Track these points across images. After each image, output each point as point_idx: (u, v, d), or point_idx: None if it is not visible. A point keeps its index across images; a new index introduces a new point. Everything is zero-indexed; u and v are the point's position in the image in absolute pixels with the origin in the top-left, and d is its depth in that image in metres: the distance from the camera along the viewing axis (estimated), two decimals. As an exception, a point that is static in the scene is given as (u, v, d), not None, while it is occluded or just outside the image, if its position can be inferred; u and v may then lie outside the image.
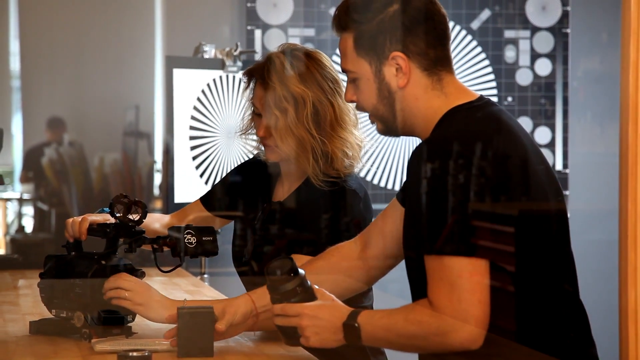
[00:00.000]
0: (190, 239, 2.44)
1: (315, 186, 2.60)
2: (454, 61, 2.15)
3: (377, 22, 2.09)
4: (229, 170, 2.93)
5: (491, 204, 1.96)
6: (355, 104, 2.19)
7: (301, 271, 2.10)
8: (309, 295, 2.09)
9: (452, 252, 1.92)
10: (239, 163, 2.90)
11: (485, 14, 4.71)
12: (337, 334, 2.04)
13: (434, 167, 1.97)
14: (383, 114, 2.13)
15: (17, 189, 4.66)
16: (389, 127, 2.15)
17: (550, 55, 4.79)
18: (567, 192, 4.57)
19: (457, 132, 2.02)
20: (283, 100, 2.57)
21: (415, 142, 2.26)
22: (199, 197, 2.87)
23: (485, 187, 1.95)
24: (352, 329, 2.02)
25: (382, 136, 2.26)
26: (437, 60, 2.09)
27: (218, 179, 3.75)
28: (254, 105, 2.65)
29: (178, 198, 3.64)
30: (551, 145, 4.75)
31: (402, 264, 2.21)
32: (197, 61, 3.77)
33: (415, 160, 2.00)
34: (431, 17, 2.08)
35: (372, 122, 2.18)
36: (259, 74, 2.63)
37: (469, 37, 4.71)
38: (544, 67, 4.80)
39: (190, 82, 3.67)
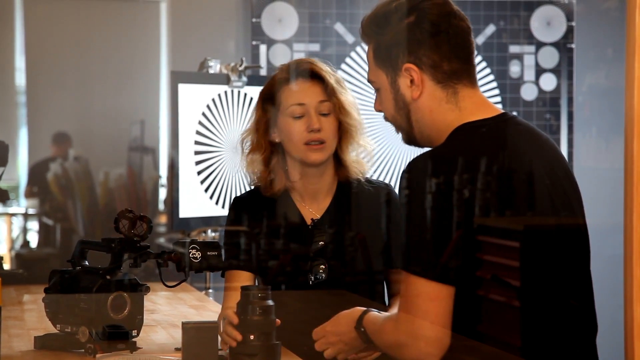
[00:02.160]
0: (195, 253, 2.44)
1: (361, 186, 2.74)
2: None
3: (392, 34, 2.10)
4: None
5: (472, 226, 1.96)
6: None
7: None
8: None
9: (417, 273, 1.98)
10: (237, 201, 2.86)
11: (490, 29, 4.72)
12: (357, 339, 2.23)
13: (418, 185, 1.98)
14: (401, 124, 2.16)
15: (22, 204, 4.66)
16: (409, 137, 2.17)
17: (555, 71, 4.79)
18: (572, 207, 4.55)
19: (445, 151, 2.03)
20: None
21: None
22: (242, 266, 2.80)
23: (466, 209, 1.95)
24: (363, 334, 2.21)
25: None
26: (453, 74, 2.08)
27: (223, 195, 3.75)
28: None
29: (183, 213, 3.64)
30: (556, 160, 4.74)
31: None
32: (202, 76, 3.78)
33: (403, 175, 2.03)
34: (446, 30, 2.08)
35: (397, 132, 2.20)
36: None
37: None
38: (548, 82, 4.80)
39: (195, 97, 3.68)
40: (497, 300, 2.00)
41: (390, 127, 2.24)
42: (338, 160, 2.74)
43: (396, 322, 2.02)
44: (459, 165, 1.97)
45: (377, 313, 2.21)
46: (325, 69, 2.71)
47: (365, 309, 2.24)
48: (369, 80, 2.20)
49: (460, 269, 1.97)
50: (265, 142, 2.75)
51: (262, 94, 2.76)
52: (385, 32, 2.12)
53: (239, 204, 2.82)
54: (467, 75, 2.10)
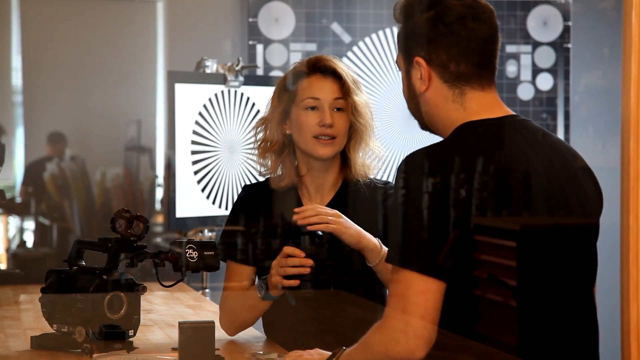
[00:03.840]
0: (191, 253, 2.44)
1: (363, 185, 2.75)
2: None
3: (412, 24, 2.10)
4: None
5: (460, 223, 1.96)
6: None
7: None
8: None
9: (408, 266, 1.98)
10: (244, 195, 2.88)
11: (487, 29, 4.72)
12: None
13: (411, 180, 1.99)
14: (413, 111, 2.17)
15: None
16: (421, 124, 2.18)
17: (552, 70, 4.79)
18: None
19: (441, 148, 2.04)
20: None
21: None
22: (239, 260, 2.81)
23: (456, 206, 1.95)
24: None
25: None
26: (460, 76, 2.07)
27: (219, 195, 3.75)
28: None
29: (180, 213, 3.64)
30: (553, 160, 4.74)
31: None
32: (199, 76, 3.78)
33: (399, 170, 2.03)
34: (458, 33, 2.06)
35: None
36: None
37: (471, 52, 4.71)
38: (545, 81, 4.80)
39: (192, 97, 3.68)
40: (494, 300, 2.00)
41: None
42: (345, 159, 2.75)
43: (384, 320, 2.01)
44: (454, 162, 1.97)
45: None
46: (343, 68, 2.74)
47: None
48: (396, 62, 2.22)
49: (454, 267, 1.97)
50: (278, 132, 2.75)
51: (279, 83, 2.78)
52: (408, 22, 2.12)
53: (246, 193, 2.85)
54: (477, 79, 2.08)
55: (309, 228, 2.52)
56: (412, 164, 2.01)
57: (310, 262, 2.46)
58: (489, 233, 1.99)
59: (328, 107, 2.69)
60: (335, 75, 2.72)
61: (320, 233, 2.49)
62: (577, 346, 2.07)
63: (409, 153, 2.05)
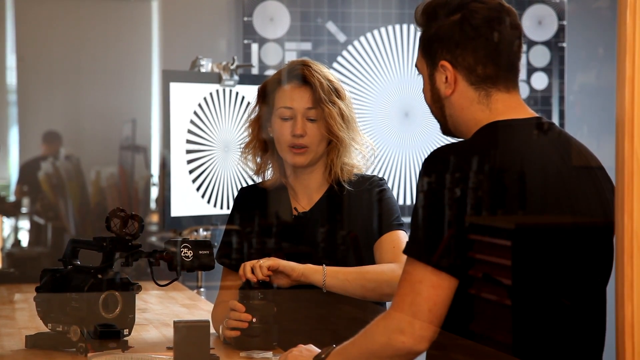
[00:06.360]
0: (186, 252, 2.44)
1: (350, 186, 2.75)
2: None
3: (436, 28, 2.10)
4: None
5: (468, 220, 1.97)
6: None
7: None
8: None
9: (422, 259, 1.97)
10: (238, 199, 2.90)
11: (482, 28, 4.72)
12: None
13: (434, 176, 2.00)
14: (436, 115, 2.17)
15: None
16: (444, 128, 2.18)
17: (547, 69, 4.80)
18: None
19: (465, 146, 2.04)
20: None
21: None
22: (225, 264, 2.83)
23: (461, 203, 1.96)
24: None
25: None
26: (487, 78, 2.07)
27: (214, 194, 3.75)
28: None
29: (174, 212, 3.64)
30: (547, 159, 4.74)
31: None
32: (193, 75, 3.78)
33: (423, 164, 2.04)
34: (485, 36, 2.07)
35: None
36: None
37: (465, 51, 4.71)
38: (540, 81, 4.80)
39: (187, 96, 3.67)
40: (491, 300, 2.00)
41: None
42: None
43: (391, 309, 2.01)
44: (479, 160, 1.97)
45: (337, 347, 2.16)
46: (318, 75, 2.72)
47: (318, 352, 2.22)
48: (415, 66, 2.21)
49: (464, 264, 1.97)
50: (259, 137, 2.77)
51: (259, 90, 2.79)
52: (431, 25, 2.12)
53: (240, 195, 2.88)
54: (503, 81, 2.08)
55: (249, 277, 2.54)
56: (438, 160, 2.02)
57: (248, 317, 2.49)
58: (497, 232, 1.99)
59: (301, 117, 2.71)
60: (309, 83, 2.72)
61: (270, 289, 2.54)
62: (574, 345, 2.07)
63: (435, 148, 2.05)
